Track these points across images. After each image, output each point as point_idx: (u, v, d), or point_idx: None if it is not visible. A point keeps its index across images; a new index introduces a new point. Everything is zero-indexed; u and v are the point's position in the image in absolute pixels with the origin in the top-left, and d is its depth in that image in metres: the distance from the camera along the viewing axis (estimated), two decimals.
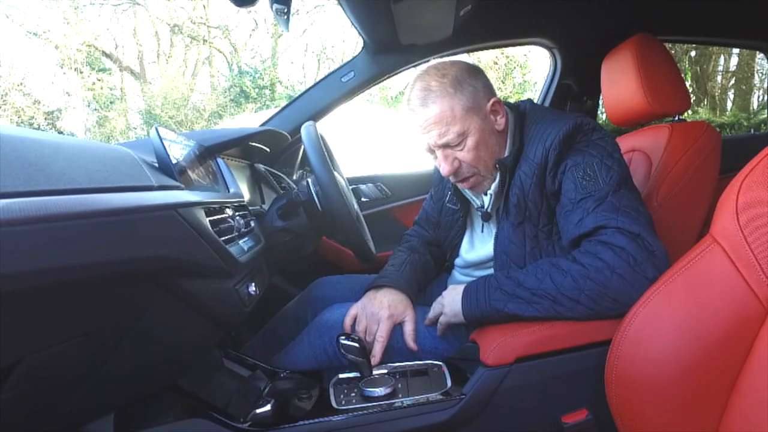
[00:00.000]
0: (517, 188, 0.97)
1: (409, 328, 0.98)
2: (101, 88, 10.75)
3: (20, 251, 0.40)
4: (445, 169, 0.98)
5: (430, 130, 0.95)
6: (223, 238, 0.74)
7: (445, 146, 0.97)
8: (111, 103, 11.10)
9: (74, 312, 0.51)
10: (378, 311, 0.98)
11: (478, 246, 1.12)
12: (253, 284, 0.85)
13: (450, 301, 0.96)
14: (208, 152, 0.99)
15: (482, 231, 1.11)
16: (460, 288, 0.95)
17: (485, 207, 1.06)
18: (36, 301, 0.45)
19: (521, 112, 1.04)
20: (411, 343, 0.97)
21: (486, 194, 1.04)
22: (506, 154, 1.01)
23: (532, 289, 0.86)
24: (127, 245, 0.52)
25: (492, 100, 0.98)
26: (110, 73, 11.32)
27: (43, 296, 0.46)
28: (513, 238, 0.99)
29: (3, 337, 0.44)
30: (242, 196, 0.97)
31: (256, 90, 10.76)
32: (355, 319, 1.00)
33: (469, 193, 1.10)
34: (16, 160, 0.44)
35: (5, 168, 0.43)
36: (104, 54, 11.27)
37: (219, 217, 0.78)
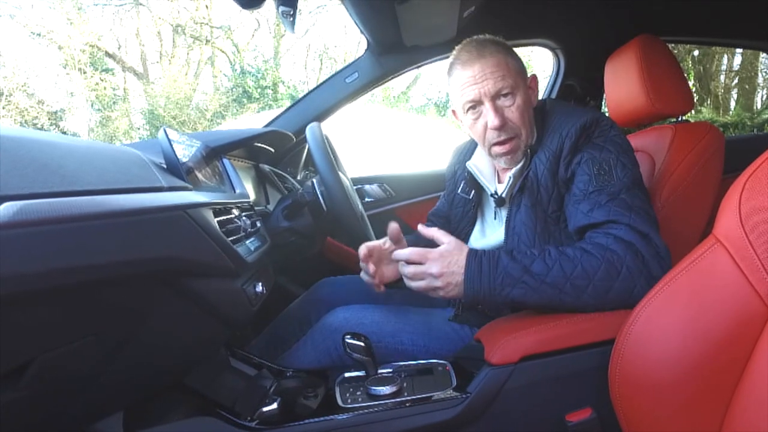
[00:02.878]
0: (532, 173, 0.98)
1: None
2: (104, 89, 10.78)
3: (37, 252, 0.41)
4: (495, 120, 0.96)
5: (486, 79, 0.96)
6: (231, 239, 0.75)
7: (496, 96, 0.98)
8: (114, 103, 11.14)
9: (86, 312, 0.52)
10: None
11: (489, 233, 1.13)
12: (260, 284, 0.86)
13: (447, 272, 0.87)
14: (214, 153, 1.00)
15: (495, 218, 1.12)
16: (462, 257, 0.87)
17: (500, 192, 1.05)
18: (49, 301, 0.46)
19: (540, 107, 1.07)
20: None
21: (503, 179, 1.05)
22: (532, 141, 1.03)
23: (540, 275, 0.83)
24: (138, 246, 0.53)
25: (531, 76, 1.03)
26: (113, 74, 11.35)
27: (56, 296, 0.46)
28: (525, 219, 0.99)
29: (17, 336, 0.45)
30: (248, 197, 0.98)
31: (259, 90, 10.77)
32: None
33: (483, 181, 1.10)
34: (31, 162, 0.45)
35: (21, 170, 0.44)
36: (107, 54, 11.30)
37: (226, 217, 0.79)
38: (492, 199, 1.09)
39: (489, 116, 0.98)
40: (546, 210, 0.98)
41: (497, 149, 1.02)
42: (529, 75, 1.03)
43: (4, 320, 0.42)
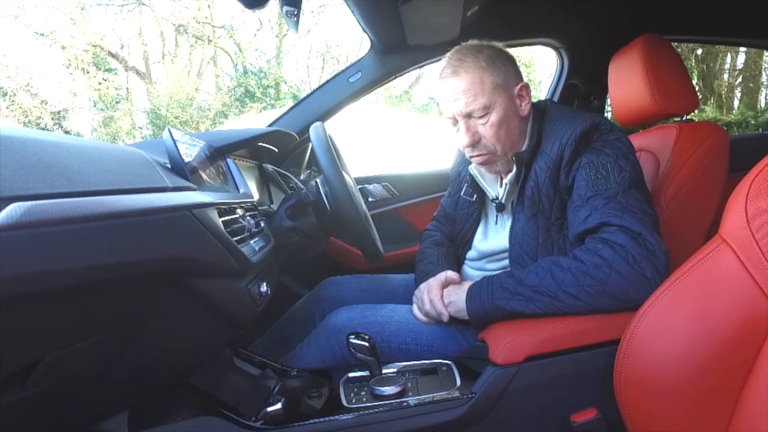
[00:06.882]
0: (533, 182, 0.99)
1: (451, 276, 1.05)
2: (107, 88, 10.82)
3: (45, 252, 0.41)
4: (464, 139, 1.00)
5: (458, 99, 0.97)
6: (236, 239, 0.75)
7: (469, 116, 0.99)
8: (117, 102, 11.18)
9: (93, 311, 0.52)
10: (425, 286, 1.04)
11: (491, 237, 1.14)
12: (265, 284, 0.86)
13: (455, 300, 0.98)
14: (218, 153, 1.00)
15: (496, 222, 1.13)
16: (465, 285, 0.98)
17: (500, 198, 1.07)
18: (57, 301, 0.46)
19: (541, 109, 1.07)
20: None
21: (501, 185, 1.07)
22: (524, 147, 1.03)
23: (534, 287, 0.88)
24: (143, 246, 0.53)
25: (521, 84, 1.01)
26: (116, 73, 11.38)
27: (64, 295, 0.46)
28: (527, 229, 1.00)
29: (26, 336, 0.45)
30: (252, 197, 0.98)
31: (261, 90, 10.78)
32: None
33: (484, 185, 1.11)
34: (38, 162, 0.45)
35: (28, 171, 0.44)
36: (110, 54, 11.33)
37: (230, 217, 0.78)
38: (493, 203, 1.10)
39: (461, 134, 1.01)
40: (549, 218, 0.99)
41: (474, 160, 1.07)
42: (525, 79, 1.03)
43: (13, 320, 0.42)
